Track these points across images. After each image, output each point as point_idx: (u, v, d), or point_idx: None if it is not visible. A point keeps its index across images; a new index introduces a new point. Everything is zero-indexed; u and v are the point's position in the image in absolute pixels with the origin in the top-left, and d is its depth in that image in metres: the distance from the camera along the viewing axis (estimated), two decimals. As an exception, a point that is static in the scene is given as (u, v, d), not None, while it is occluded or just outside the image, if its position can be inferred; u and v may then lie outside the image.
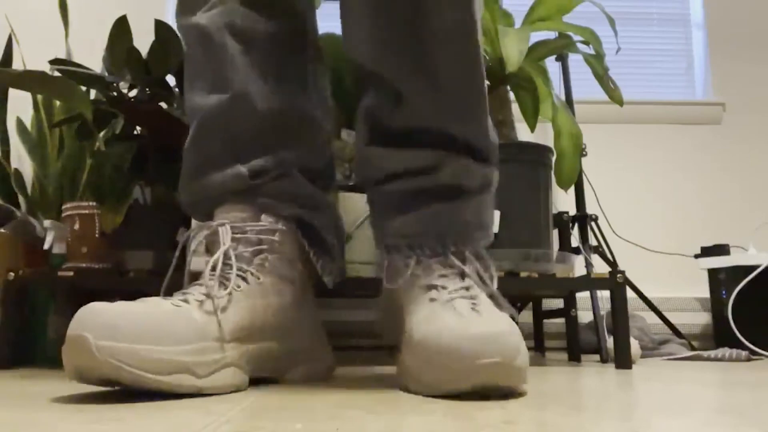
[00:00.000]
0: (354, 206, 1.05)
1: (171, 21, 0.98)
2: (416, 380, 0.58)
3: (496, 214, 1.05)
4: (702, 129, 1.91)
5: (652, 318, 1.54)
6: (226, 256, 0.67)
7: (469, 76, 0.69)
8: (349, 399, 0.54)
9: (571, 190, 1.48)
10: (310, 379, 0.74)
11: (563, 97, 1.55)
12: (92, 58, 1.33)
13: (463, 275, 0.66)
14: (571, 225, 1.37)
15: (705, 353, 1.30)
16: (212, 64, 0.74)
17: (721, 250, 1.58)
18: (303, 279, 0.75)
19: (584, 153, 1.35)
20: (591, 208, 1.52)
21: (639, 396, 0.60)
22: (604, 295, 1.22)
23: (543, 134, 1.77)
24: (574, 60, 1.55)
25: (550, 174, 1.12)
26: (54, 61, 1.06)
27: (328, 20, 0.91)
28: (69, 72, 1.03)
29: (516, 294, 1.43)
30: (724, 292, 1.53)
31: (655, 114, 1.91)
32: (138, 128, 1.13)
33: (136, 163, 1.10)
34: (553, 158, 1.15)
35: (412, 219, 0.70)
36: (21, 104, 1.41)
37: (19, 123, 1.38)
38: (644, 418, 0.45)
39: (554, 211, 1.20)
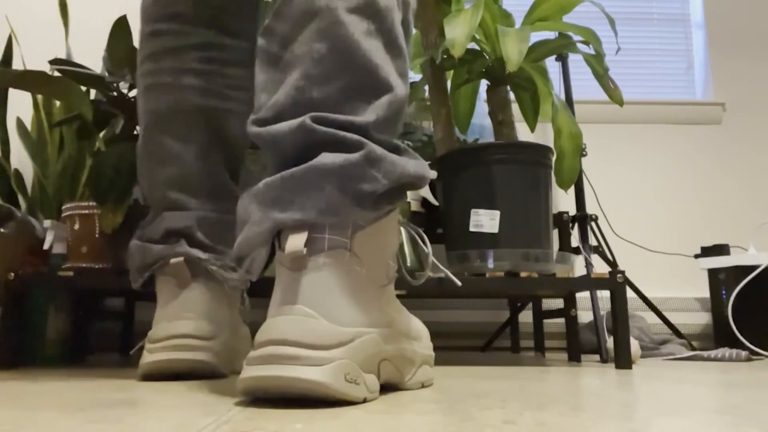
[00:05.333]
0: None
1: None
2: None
3: (496, 214, 1.05)
4: (702, 129, 1.91)
5: (652, 318, 1.54)
6: None
7: None
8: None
9: (571, 190, 1.48)
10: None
11: (563, 97, 1.55)
12: (92, 58, 1.33)
13: None
14: (571, 225, 1.37)
15: (705, 353, 1.30)
16: None
17: (721, 250, 1.58)
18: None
19: (584, 153, 1.35)
20: (591, 208, 1.52)
21: (639, 396, 0.60)
22: (604, 295, 1.22)
23: (543, 134, 1.77)
24: (574, 60, 1.55)
25: (550, 174, 1.12)
26: (54, 61, 1.06)
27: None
28: (69, 72, 1.03)
29: (516, 294, 1.43)
30: (724, 292, 1.53)
31: (655, 114, 1.91)
32: (138, 128, 1.13)
33: (136, 163, 1.10)
34: (553, 158, 1.15)
35: None
36: (21, 104, 1.41)
37: (19, 123, 1.38)
38: (644, 418, 0.45)
39: (554, 211, 1.20)
